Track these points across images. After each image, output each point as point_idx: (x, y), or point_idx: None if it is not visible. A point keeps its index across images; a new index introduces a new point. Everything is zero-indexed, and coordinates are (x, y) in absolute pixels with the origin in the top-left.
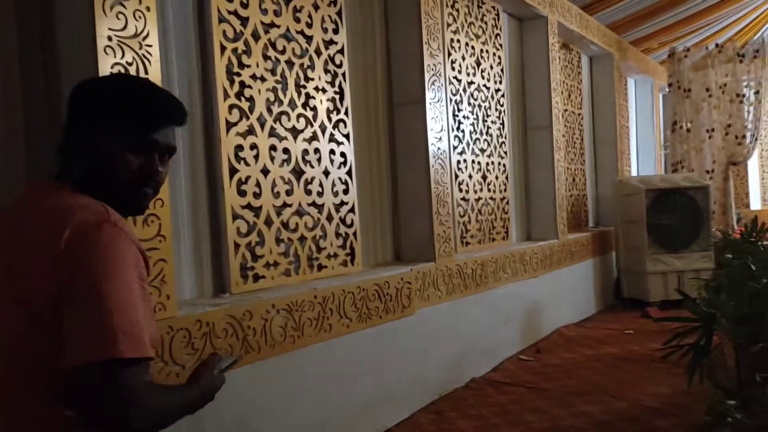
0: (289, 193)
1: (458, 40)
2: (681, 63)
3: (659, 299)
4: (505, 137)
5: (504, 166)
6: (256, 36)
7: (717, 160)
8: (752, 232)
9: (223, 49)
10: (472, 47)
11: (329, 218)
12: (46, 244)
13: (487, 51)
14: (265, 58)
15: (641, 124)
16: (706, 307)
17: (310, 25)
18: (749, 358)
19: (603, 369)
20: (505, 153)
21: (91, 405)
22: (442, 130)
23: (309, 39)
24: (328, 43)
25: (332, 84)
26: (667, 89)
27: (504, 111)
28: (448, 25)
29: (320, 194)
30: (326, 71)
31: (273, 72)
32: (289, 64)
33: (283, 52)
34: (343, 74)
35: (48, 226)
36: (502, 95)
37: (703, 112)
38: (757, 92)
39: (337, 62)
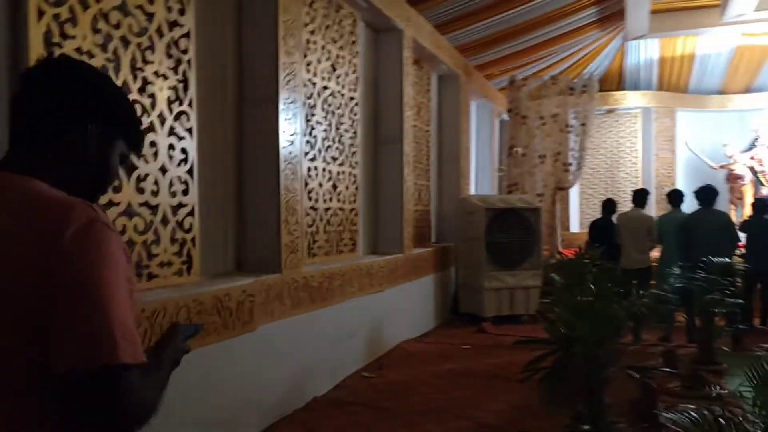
0: (116, 190)
1: (315, 42)
2: (519, 91)
3: (493, 314)
4: (357, 147)
5: (355, 176)
6: (85, 4)
7: (547, 185)
8: (585, 254)
9: (41, 13)
10: (329, 51)
11: (164, 221)
12: (44, 241)
13: (343, 57)
14: (95, 30)
15: (480, 146)
16: (564, 329)
17: (151, 1)
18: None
19: (444, 386)
20: (357, 163)
21: (87, 409)
22: (295, 133)
23: (150, 16)
24: (173, 24)
25: (175, 71)
26: (503, 115)
27: (357, 120)
28: (306, 24)
29: (155, 194)
30: (169, 56)
31: (104, 48)
32: (125, 41)
33: (117, 26)
34: (189, 61)
35: (44, 223)
36: (356, 104)
37: (536, 139)
38: (583, 124)
39: (182, 47)
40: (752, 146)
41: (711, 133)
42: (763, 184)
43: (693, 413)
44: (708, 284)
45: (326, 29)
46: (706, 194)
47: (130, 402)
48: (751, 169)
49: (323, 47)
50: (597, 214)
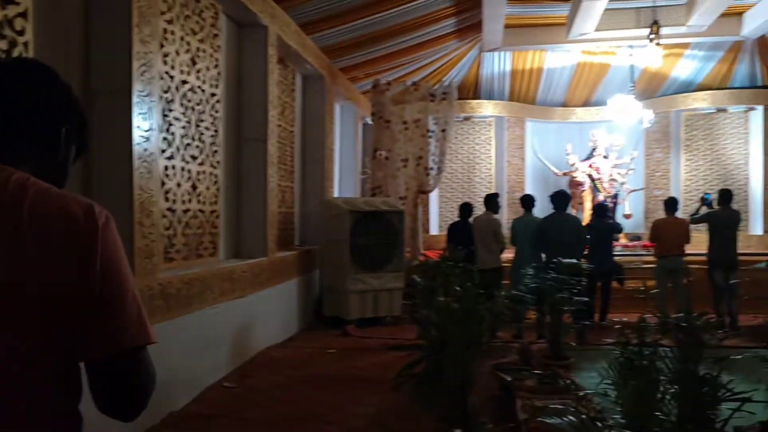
0: None
1: (173, 32)
2: (383, 95)
3: (357, 317)
4: (219, 146)
5: (216, 176)
6: None
7: (409, 188)
8: (449, 256)
9: None
10: (188, 43)
11: None
12: (75, 235)
13: (204, 50)
14: None
15: (344, 148)
16: (436, 332)
17: None
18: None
19: (310, 392)
20: (218, 163)
21: (121, 389)
22: (150, 129)
23: None
24: (6, 1)
25: (9, 54)
26: (367, 118)
27: (219, 118)
28: (162, 12)
29: None
30: (2, 36)
31: None
32: None
33: None
34: (26, 44)
35: (71, 218)
36: (218, 101)
37: (399, 143)
38: (443, 130)
39: (18, 27)
40: (591, 155)
41: (556, 142)
42: (599, 191)
43: (566, 417)
44: (558, 284)
45: (185, 19)
46: (560, 199)
47: (152, 377)
48: (590, 176)
49: (182, 38)
50: (455, 217)
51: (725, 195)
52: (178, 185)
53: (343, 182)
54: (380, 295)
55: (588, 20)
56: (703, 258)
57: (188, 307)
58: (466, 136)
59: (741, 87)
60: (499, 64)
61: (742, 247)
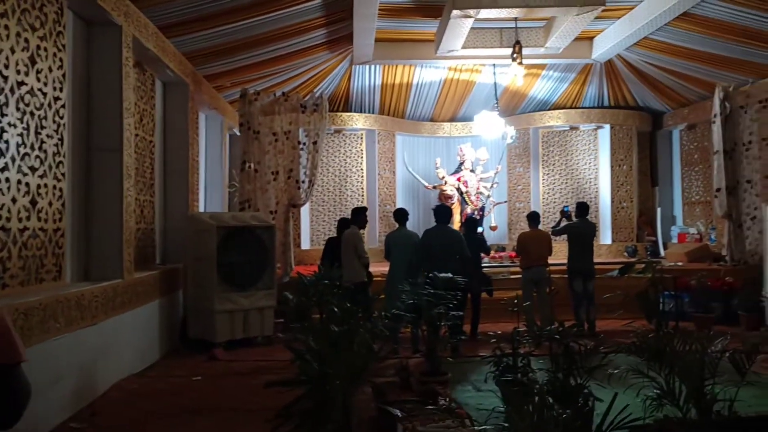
0: None
1: (7, 27)
2: (251, 105)
3: (226, 339)
4: (64, 156)
5: (60, 190)
6: None
7: (280, 202)
8: (324, 273)
9: None
10: (26, 40)
11: None
12: None
13: (45, 49)
14: None
15: (210, 160)
16: (316, 362)
17: None
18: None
19: (175, 426)
20: (63, 175)
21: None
22: None
23: None
24: None
25: None
26: (235, 129)
27: (64, 125)
28: None
29: None
30: None
31: None
32: None
33: None
34: None
35: None
36: (63, 105)
37: (269, 155)
38: (315, 142)
39: None
40: (459, 169)
41: (425, 156)
42: (467, 204)
43: None
44: (436, 299)
45: (22, 13)
46: (442, 213)
47: (29, 390)
48: (458, 189)
49: (18, 35)
50: (328, 231)
51: (582, 208)
52: (13, 201)
53: (209, 196)
54: (250, 314)
55: (455, 38)
56: (564, 267)
57: (26, 341)
58: (338, 149)
59: (591, 107)
60: (369, 77)
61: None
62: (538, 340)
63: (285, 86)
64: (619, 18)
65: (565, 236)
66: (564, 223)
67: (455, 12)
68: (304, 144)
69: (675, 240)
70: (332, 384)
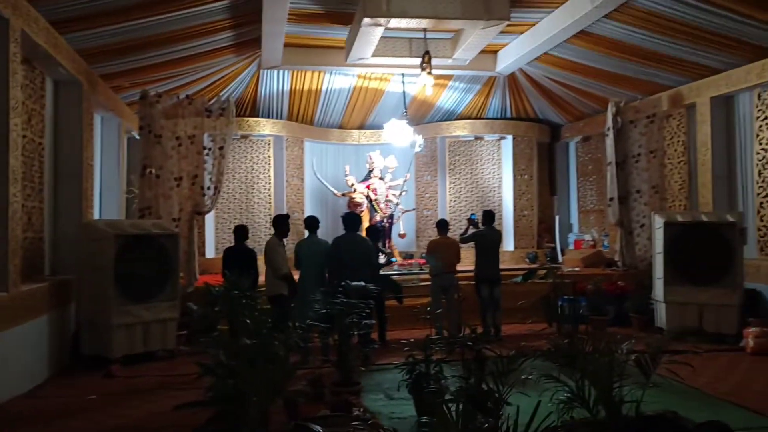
0: None
1: None
2: (152, 107)
3: (124, 353)
4: None
5: None
6: None
7: (184, 209)
8: (232, 284)
9: None
10: None
11: None
12: None
13: None
14: None
15: (106, 165)
16: (230, 379)
17: None
18: None
19: None
20: None
21: None
22: None
23: None
24: None
25: None
26: (133, 132)
27: None
28: None
29: None
30: None
31: None
32: None
33: None
34: None
35: None
36: None
37: (172, 160)
38: (221, 147)
39: None
40: (368, 177)
41: (334, 163)
42: (377, 211)
43: None
44: (348, 308)
45: None
46: (351, 221)
47: None
48: (368, 197)
49: None
50: (233, 239)
51: (488, 215)
52: None
53: (105, 203)
54: (151, 327)
55: (366, 46)
56: (471, 274)
57: None
58: (244, 154)
59: (494, 118)
60: (278, 82)
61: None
62: (451, 347)
63: (189, 89)
64: (522, 33)
65: (472, 243)
66: (471, 230)
67: (366, 20)
68: (210, 149)
69: (572, 246)
70: (249, 401)
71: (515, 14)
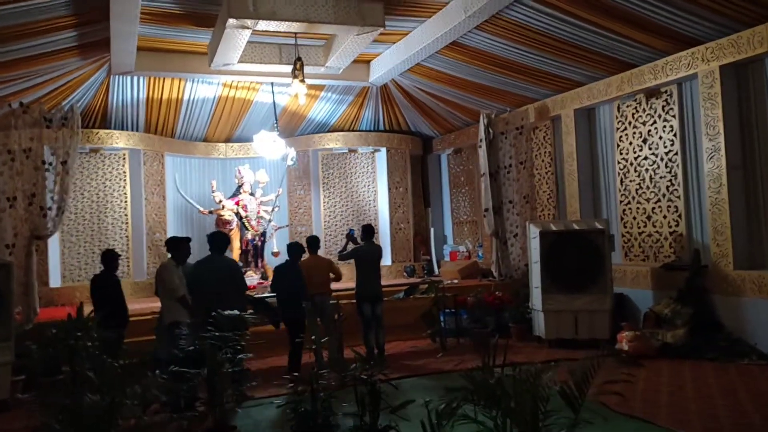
0: None
1: None
2: None
3: None
4: None
5: None
6: None
7: (19, 233)
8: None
9: None
10: None
11: None
12: None
13: None
14: None
15: None
16: None
17: None
18: None
19: None
20: None
21: None
22: None
23: None
24: None
25: None
26: None
27: None
28: None
29: None
30: None
31: None
32: None
33: None
34: None
35: None
36: None
37: (3, 177)
38: (64, 162)
39: None
40: (237, 192)
41: (199, 178)
42: (248, 229)
43: None
44: (220, 341)
45: None
46: (216, 240)
47: None
48: (237, 214)
49: None
50: (84, 265)
51: (368, 230)
52: None
53: None
54: None
55: (231, 50)
56: (352, 293)
57: None
58: (95, 170)
59: (368, 130)
60: (132, 90)
61: None
62: (342, 380)
63: (25, 96)
64: (395, 43)
65: (352, 260)
66: (351, 246)
67: (231, 21)
68: (51, 164)
69: (447, 258)
70: None
71: (388, 23)
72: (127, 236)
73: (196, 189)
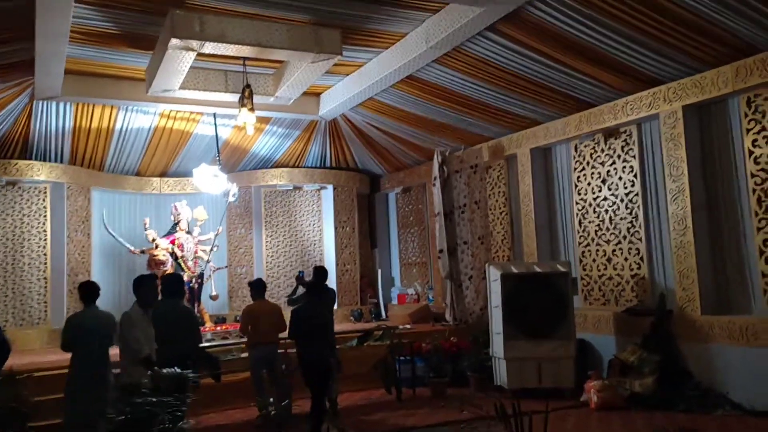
0: None
1: None
2: None
3: None
4: None
5: None
6: None
7: None
8: None
9: None
10: None
11: None
12: None
13: None
14: None
15: None
16: None
17: None
18: None
19: None
20: None
21: None
22: None
23: None
24: None
25: None
26: None
27: None
28: None
29: None
30: None
31: None
32: None
33: None
34: None
35: None
36: None
37: None
38: None
39: None
40: (173, 231)
41: (130, 215)
42: (184, 270)
43: None
44: (159, 407)
45: None
46: (172, 284)
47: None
48: (172, 254)
49: None
50: None
51: (320, 273)
52: None
53: None
54: None
55: (172, 75)
56: None
57: None
58: (11, 205)
59: (314, 166)
60: (57, 117)
61: None
62: None
63: None
64: (348, 75)
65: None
66: (301, 290)
67: (174, 41)
68: None
69: (395, 301)
70: None
71: (343, 53)
72: (45, 278)
73: (126, 226)
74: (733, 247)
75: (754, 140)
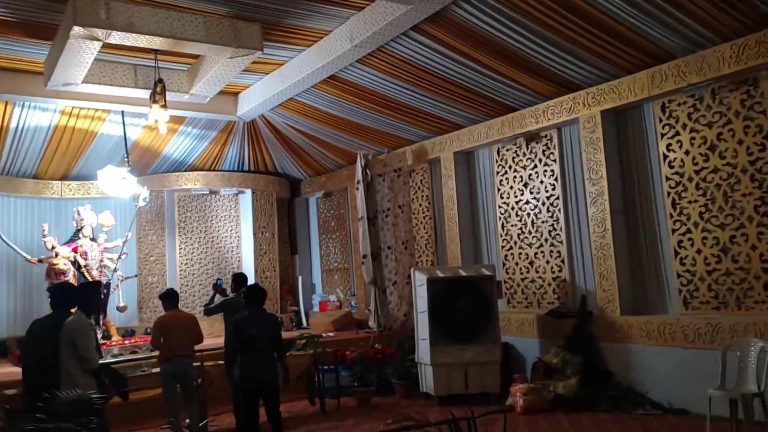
0: None
1: None
2: None
3: None
4: None
5: None
6: None
7: None
8: None
9: None
10: None
11: None
12: None
13: None
14: None
15: None
16: None
17: None
18: None
19: None
20: None
21: None
22: None
23: None
24: None
25: None
26: None
27: None
28: None
29: None
30: None
31: None
32: None
33: None
34: None
35: None
36: None
37: None
38: None
39: None
40: (75, 237)
41: (26, 221)
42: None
43: None
44: None
45: None
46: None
47: None
48: (75, 262)
49: None
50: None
51: (239, 280)
52: None
53: None
54: None
55: (74, 67)
56: (220, 352)
57: None
58: None
59: (231, 170)
60: None
61: None
62: None
63: None
64: (267, 74)
65: (220, 315)
66: (219, 299)
67: (77, 29)
68: None
69: (317, 308)
70: None
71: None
72: None
73: (22, 234)
74: (650, 248)
75: (668, 144)
